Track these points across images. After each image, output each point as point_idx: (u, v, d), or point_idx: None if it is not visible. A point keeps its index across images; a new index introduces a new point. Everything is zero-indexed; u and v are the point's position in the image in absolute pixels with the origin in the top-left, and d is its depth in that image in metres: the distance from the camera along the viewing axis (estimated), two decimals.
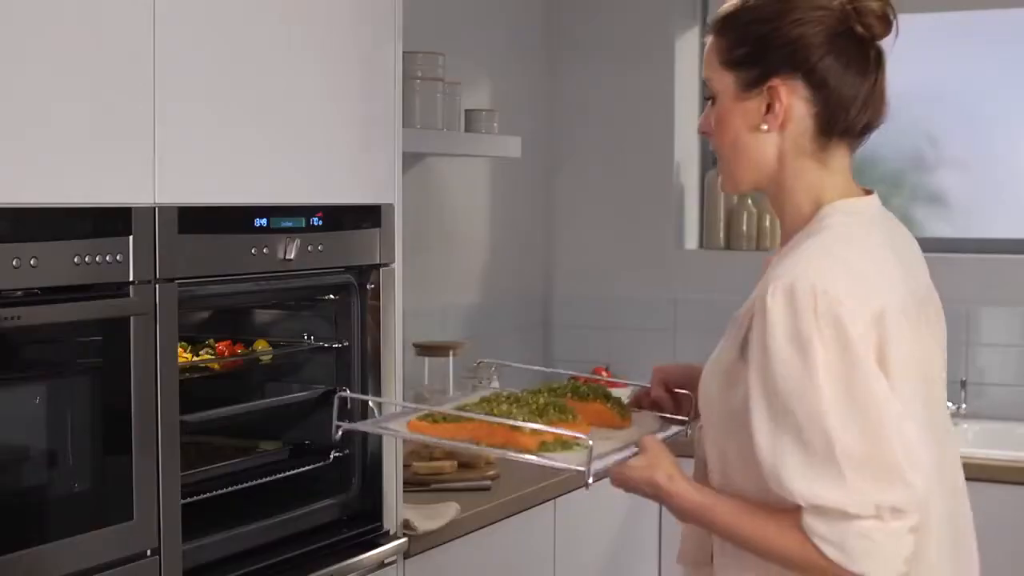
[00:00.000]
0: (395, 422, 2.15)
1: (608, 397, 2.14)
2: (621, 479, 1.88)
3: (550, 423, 1.95)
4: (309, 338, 2.79)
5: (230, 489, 2.54)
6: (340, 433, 2.10)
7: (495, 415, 1.98)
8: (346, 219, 2.66)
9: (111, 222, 2.14)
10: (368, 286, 2.72)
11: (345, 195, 2.67)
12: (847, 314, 1.70)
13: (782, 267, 1.76)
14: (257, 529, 2.51)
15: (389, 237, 2.75)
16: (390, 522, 2.78)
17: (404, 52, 2.83)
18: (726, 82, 1.84)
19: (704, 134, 1.91)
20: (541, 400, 2.06)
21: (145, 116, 2.21)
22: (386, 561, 2.75)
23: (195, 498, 2.40)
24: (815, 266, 1.74)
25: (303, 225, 2.54)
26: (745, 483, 1.81)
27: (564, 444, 1.92)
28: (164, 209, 2.23)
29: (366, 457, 2.74)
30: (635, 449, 1.90)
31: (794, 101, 1.81)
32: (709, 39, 1.89)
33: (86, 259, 2.09)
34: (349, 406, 2.48)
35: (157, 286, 2.21)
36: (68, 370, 2.18)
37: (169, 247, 2.23)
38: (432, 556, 2.90)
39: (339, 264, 2.66)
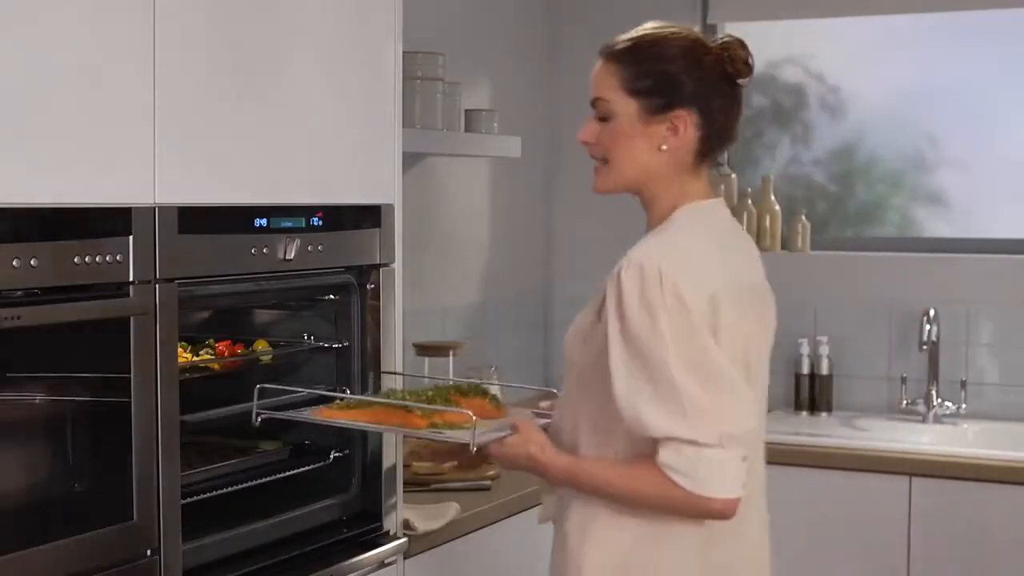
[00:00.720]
0: (310, 409, 2.50)
1: (486, 393, 2.53)
2: (499, 454, 2.25)
3: (444, 415, 2.36)
4: (309, 338, 2.80)
5: (230, 489, 2.54)
6: (259, 420, 2.47)
7: (393, 400, 2.41)
8: (346, 219, 2.66)
9: (111, 222, 2.14)
10: (368, 286, 2.72)
11: (345, 195, 2.67)
12: (685, 292, 2.05)
13: (635, 250, 2.12)
14: (257, 529, 2.51)
15: (389, 237, 2.75)
16: (390, 522, 2.78)
17: (404, 52, 2.83)
18: (629, 106, 2.18)
19: (584, 143, 2.24)
20: (430, 393, 2.47)
21: (145, 116, 2.21)
22: (386, 561, 2.75)
23: (195, 498, 2.40)
24: (660, 251, 2.11)
25: (303, 225, 2.54)
26: (588, 447, 2.19)
27: (451, 424, 2.35)
28: (164, 209, 2.23)
29: (366, 457, 2.74)
30: (510, 430, 2.25)
31: (691, 129, 2.18)
32: (602, 65, 2.22)
33: (86, 259, 2.09)
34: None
35: (157, 286, 2.21)
36: (68, 370, 2.18)
37: (169, 247, 2.23)
38: (432, 556, 2.90)
39: (339, 264, 2.66)
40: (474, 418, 2.25)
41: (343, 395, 2.61)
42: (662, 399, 2.03)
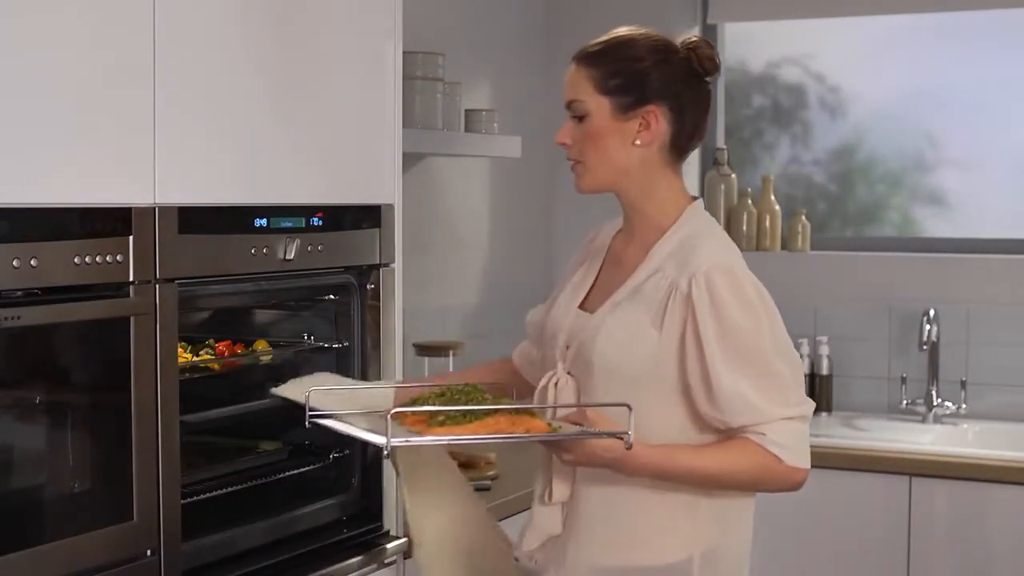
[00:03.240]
0: (372, 421, 2.17)
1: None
2: (587, 456, 2.13)
3: (522, 412, 2.11)
4: (309, 338, 2.80)
5: (230, 489, 2.54)
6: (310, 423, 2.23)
7: (504, 407, 2.10)
8: (346, 219, 2.66)
9: (111, 222, 2.14)
10: (368, 286, 2.72)
11: (345, 195, 2.67)
12: (761, 285, 2.20)
13: (705, 255, 2.19)
14: (257, 529, 2.52)
15: (389, 237, 2.75)
16: (390, 522, 2.78)
17: (404, 52, 2.84)
18: (602, 105, 2.24)
19: (562, 145, 2.29)
20: (481, 394, 2.19)
21: (145, 116, 2.21)
22: (386, 561, 2.75)
23: (195, 498, 2.40)
24: (729, 253, 2.24)
25: (303, 225, 2.54)
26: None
27: (561, 424, 2.12)
28: (164, 209, 2.23)
29: (366, 457, 2.74)
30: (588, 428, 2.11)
31: (662, 124, 2.24)
32: (576, 68, 2.27)
33: (86, 259, 2.09)
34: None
35: (157, 286, 2.21)
36: (68, 370, 2.18)
37: (169, 247, 2.23)
38: None
39: (339, 264, 2.66)
40: (630, 422, 2.05)
41: (395, 385, 2.39)
42: (766, 388, 2.15)
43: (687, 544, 2.22)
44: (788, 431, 2.16)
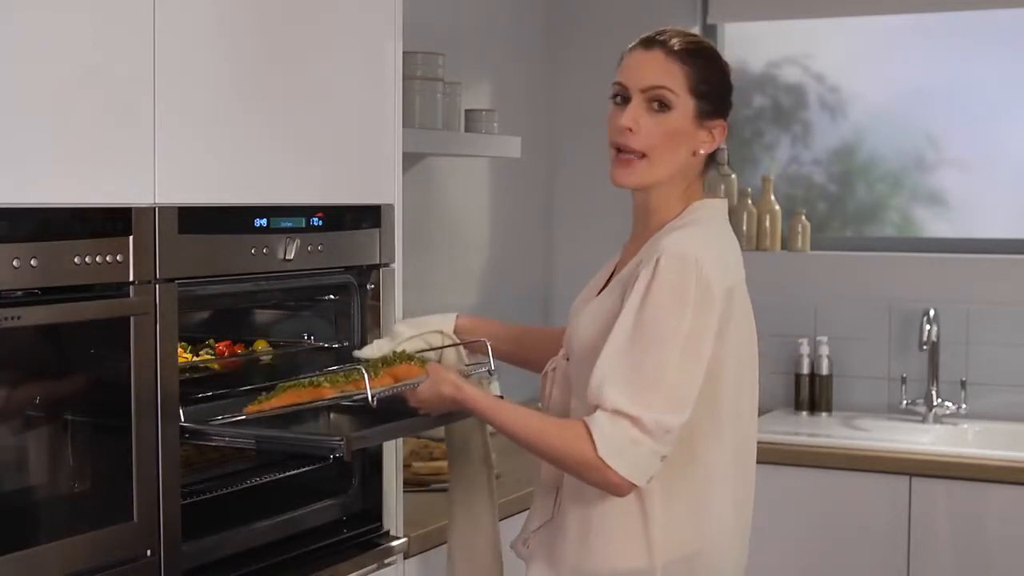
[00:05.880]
0: (232, 414, 2.44)
1: (412, 358, 2.53)
2: (416, 400, 2.37)
3: (351, 381, 2.42)
4: (309, 338, 2.80)
5: (230, 489, 2.54)
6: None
7: (303, 385, 2.44)
8: (346, 219, 2.66)
9: (111, 222, 2.14)
10: (368, 286, 2.72)
11: (345, 195, 2.67)
12: (715, 289, 2.14)
13: (673, 240, 2.17)
14: (257, 529, 2.52)
15: (389, 237, 2.75)
16: (390, 522, 2.78)
17: (404, 52, 2.83)
18: (688, 105, 2.24)
19: (628, 130, 2.23)
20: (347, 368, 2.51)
21: (145, 116, 2.21)
22: (386, 561, 2.75)
23: (195, 498, 2.40)
24: (698, 245, 2.17)
25: (303, 225, 2.54)
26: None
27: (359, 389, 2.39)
28: (164, 209, 2.23)
29: (366, 457, 2.74)
30: (421, 379, 2.39)
31: (719, 139, 2.29)
32: (664, 58, 2.23)
33: (86, 259, 2.09)
34: None
35: (157, 286, 2.21)
36: (68, 370, 2.18)
37: (169, 247, 2.23)
38: (432, 556, 2.90)
39: (339, 264, 2.66)
40: (366, 375, 2.35)
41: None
42: (634, 378, 2.10)
43: (653, 551, 2.21)
44: (614, 426, 2.09)
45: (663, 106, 2.22)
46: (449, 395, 2.32)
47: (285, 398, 2.42)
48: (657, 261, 2.13)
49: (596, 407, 2.13)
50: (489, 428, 2.61)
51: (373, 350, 2.59)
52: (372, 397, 2.35)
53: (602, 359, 2.14)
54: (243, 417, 2.40)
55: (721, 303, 2.16)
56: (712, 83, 2.25)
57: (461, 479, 2.64)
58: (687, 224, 2.24)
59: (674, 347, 2.11)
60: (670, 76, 2.23)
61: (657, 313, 2.12)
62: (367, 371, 2.41)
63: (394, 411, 2.49)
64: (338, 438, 2.32)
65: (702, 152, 2.26)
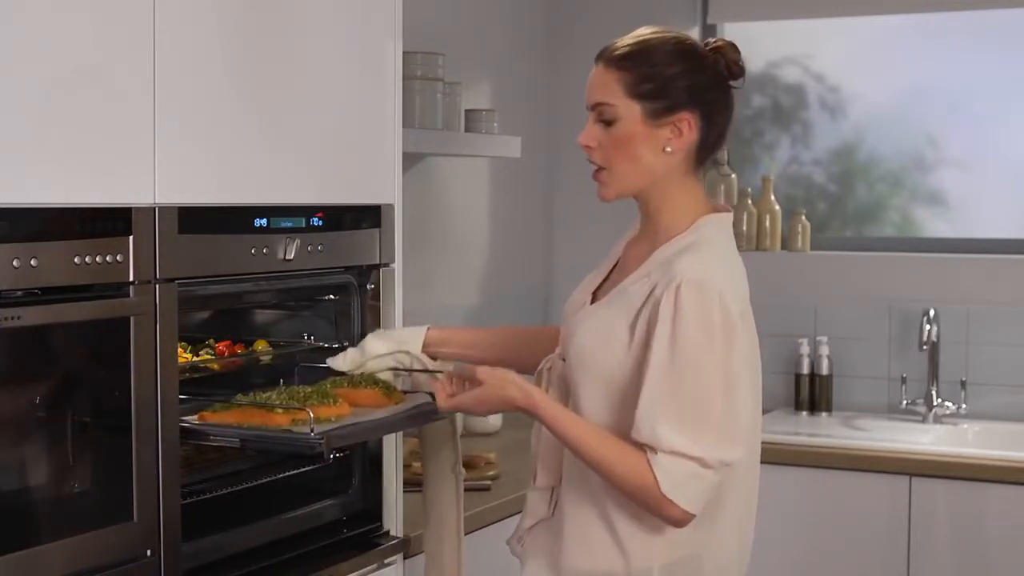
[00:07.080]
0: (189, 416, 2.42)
1: (377, 382, 2.52)
2: (474, 401, 2.29)
3: (311, 407, 2.36)
4: (309, 338, 2.80)
5: (230, 489, 2.54)
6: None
7: (258, 401, 2.42)
8: (346, 219, 2.66)
9: (111, 222, 2.14)
10: (368, 286, 2.72)
11: (345, 195, 2.67)
12: (735, 312, 2.13)
13: (685, 265, 2.15)
14: (257, 529, 2.52)
15: (389, 237, 2.75)
16: (390, 522, 2.78)
17: (404, 52, 2.83)
18: (633, 110, 2.21)
19: (585, 148, 2.26)
20: (308, 390, 2.46)
21: (145, 116, 2.21)
22: (386, 561, 2.75)
23: (195, 498, 2.40)
24: (713, 269, 2.16)
25: (303, 225, 2.54)
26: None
27: (318, 420, 2.34)
28: (164, 209, 2.23)
29: (366, 457, 2.74)
30: (380, 414, 2.42)
31: (693, 131, 2.22)
32: (602, 70, 2.24)
33: (86, 259, 2.09)
34: None
35: (157, 286, 2.21)
36: (68, 370, 2.18)
37: (169, 247, 2.23)
38: None
39: (339, 264, 2.66)
40: (311, 414, 2.32)
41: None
42: (685, 417, 2.10)
43: (654, 551, 2.21)
44: (681, 467, 2.10)
45: (608, 119, 2.23)
46: (515, 398, 2.25)
47: (230, 416, 2.40)
48: (678, 291, 2.12)
49: (649, 447, 2.12)
50: (459, 433, 2.67)
51: (345, 360, 2.56)
52: (329, 452, 2.31)
53: (644, 399, 2.12)
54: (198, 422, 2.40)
55: (738, 326, 2.16)
56: (655, 80, 2.20)
57: (431, 482, 2.65)
58: (698, 244, 2.21)
59: (716, 380, 2.11)
60: (607, 88, 2.22)
61: (691, 349, 2.10)
62: (325, 398, 2.40)
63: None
64: (318, 436, 2.29)
65: (669, 150, 2.21)
